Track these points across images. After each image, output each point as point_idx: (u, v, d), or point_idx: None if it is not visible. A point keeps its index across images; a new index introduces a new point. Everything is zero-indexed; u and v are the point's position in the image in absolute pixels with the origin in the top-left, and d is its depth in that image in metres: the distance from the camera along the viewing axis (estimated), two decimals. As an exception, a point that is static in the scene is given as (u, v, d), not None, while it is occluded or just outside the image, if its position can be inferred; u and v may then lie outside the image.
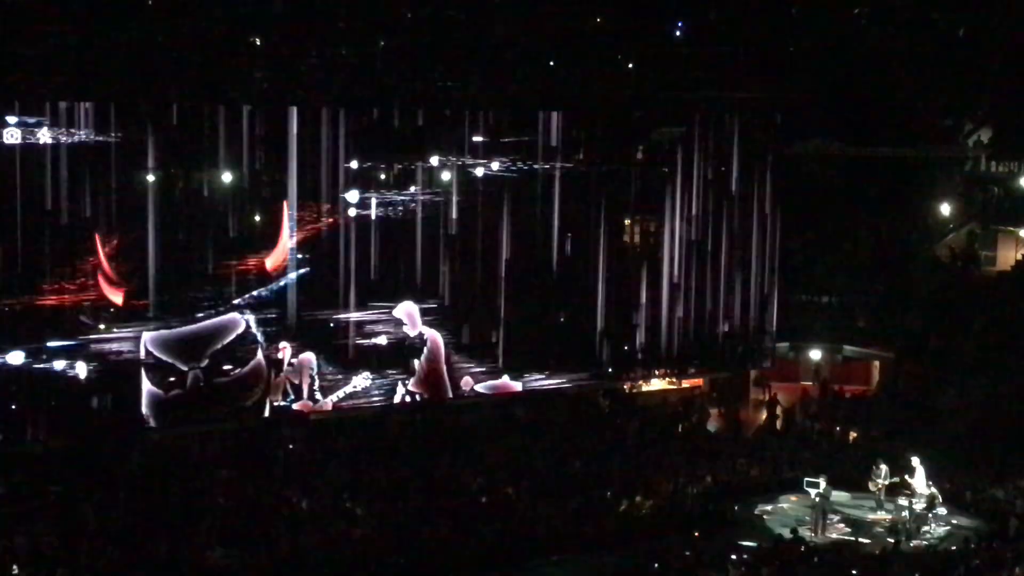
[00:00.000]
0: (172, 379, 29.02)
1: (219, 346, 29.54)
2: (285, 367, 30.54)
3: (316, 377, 30.96)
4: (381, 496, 28.79)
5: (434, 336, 32.00)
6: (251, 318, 29.80)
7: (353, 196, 30.58)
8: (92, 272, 27.84)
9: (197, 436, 30.00)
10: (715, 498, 30.27)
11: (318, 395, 31.17)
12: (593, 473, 31.03)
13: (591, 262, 34.15)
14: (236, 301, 29.49)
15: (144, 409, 28.91)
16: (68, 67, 25.83)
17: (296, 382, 30.76)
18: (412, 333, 31.74)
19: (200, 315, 29.15)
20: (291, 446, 31.12)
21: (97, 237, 27.83)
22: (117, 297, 28.39)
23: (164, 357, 28.84)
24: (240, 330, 29.70)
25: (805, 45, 33.85)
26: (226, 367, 29.77)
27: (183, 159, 28.54)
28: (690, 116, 34.36)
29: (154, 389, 28.84)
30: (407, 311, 31.67)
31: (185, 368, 29.14)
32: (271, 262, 30.11)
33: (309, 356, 30.86)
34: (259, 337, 29.99)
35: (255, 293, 29.61)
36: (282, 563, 25.75)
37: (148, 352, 28.69)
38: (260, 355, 30.14)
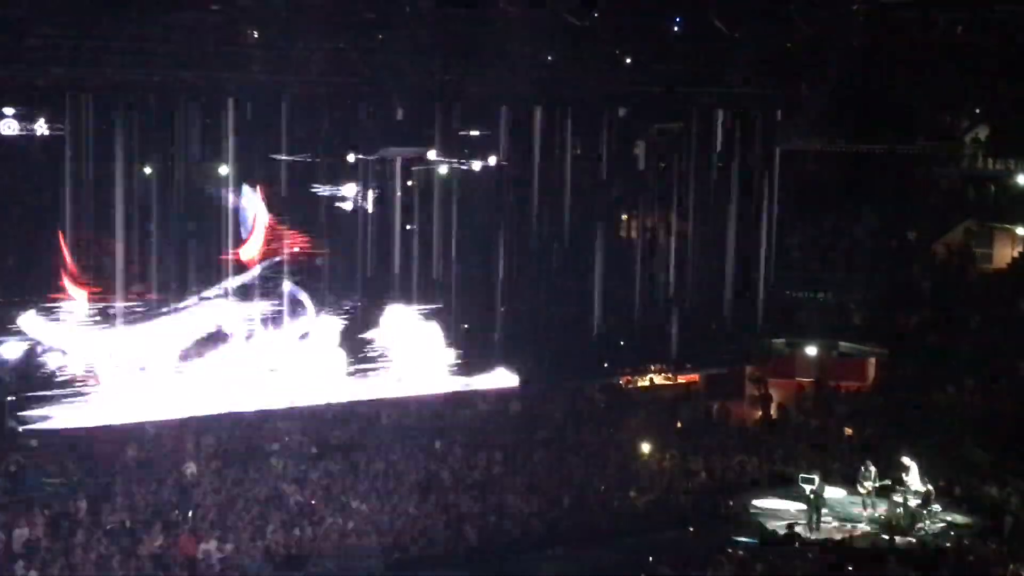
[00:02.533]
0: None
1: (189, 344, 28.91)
2: None
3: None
4: (375, 489, 28.82)
5: (424, 328, 31.80)
6: (225, 312, 29.37)
7: (349, 190, 30.56)
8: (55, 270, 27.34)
9: (192, 428, 29.91)
10: (709, 493, 30.32)
11: None
12: (588, 468, 31.05)
13: (588, 257, 34.12)
14: (208, 294, 29.03)
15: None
16: (63, 58, 25.79)
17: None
18: (399, 331, 31.54)
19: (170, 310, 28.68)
20: (286, 439, 31.11)
21: (61, 234, 27.43)
22: (80, 295, 27.84)
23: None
24: (214, 322, 29.16)
25: (803, 41, 33.83)
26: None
27: (167, 151, 28.26)
28: (688, 112, 34.35)
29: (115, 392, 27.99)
30: (397, 313, 31.51)
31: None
32: (246, 254, 29.86)
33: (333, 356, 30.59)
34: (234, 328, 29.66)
35: (227, 286, 29.21)
36: (275, 556, 25.81)
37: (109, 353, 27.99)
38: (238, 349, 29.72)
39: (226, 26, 27.52)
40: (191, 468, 28.57)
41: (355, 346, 30.66)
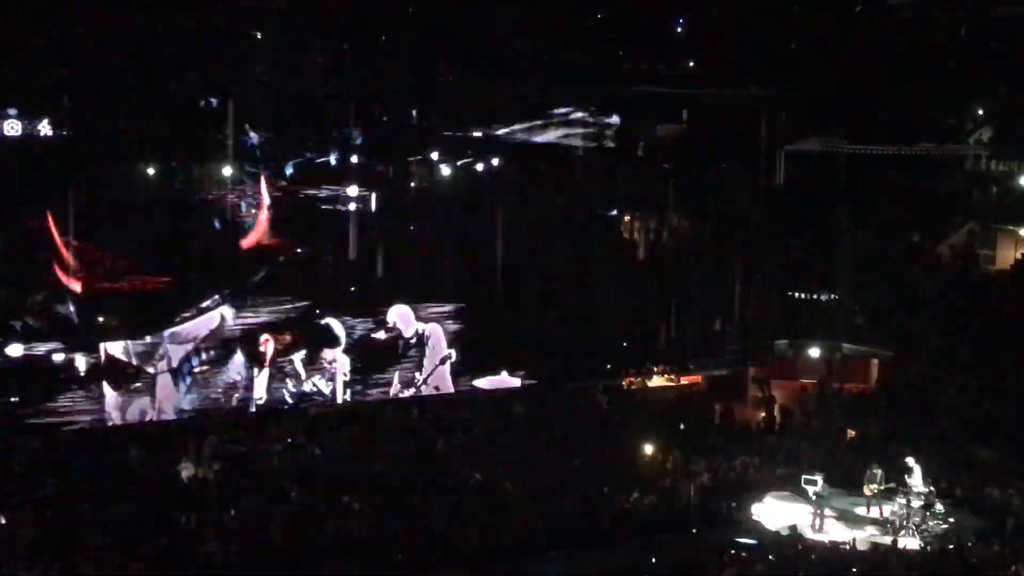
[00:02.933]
0: (136, 384, 28.59)
1: (191, 345, 28.99)
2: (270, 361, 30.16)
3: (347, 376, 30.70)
4: (379, 491, 28.81)
5: (435, 330, 31.75)
6: (228, 311, 29.32)
7: (352, 190, 30.56)
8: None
9: (194, 430, 29.91)
10: (713, 495, 30.28)
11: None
12: (591, 469, 31.04)
13: (589, 259, 34.10)
14: (211, 300, 29.06)
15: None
16: (67, 60, 25.78)
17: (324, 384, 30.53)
18: (407, 333, 31.48)
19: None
20: (289, 440, 31.11)
21: (51, 221, 27.27)
22: (76, 285, 27.78)
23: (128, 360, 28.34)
24: (214, 325, 29.22)
25: (807, 42, 33.82)
26: (196, 366, 29.26)
27: (171, 151, 28.24)
28: (691, 113, 34.34)
29: (114, 394, 28.28)
30: (399, 313, 31.44)
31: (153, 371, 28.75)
32: (247, 242, 29.84)
33: (343, 358, 30.61)
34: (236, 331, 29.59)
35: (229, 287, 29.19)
36: (278, 558, 25.81)
37: (108, 355, 28.08)
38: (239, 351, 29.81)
39: (229, 27, 27.52)
40: (187, 470, 28.55)
41: (365, 347, 30.73)
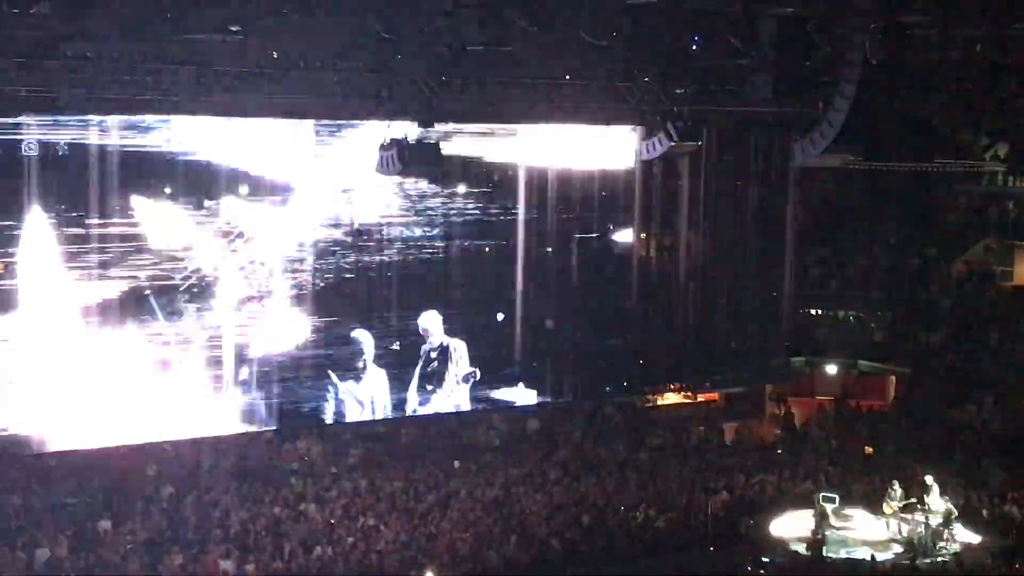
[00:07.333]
0: None
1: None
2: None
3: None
4: (395, 509, 28.83)
5: (460, 345, 31.67)
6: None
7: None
8: None
9: (210, 447, 29.95)
10: (730, 513, 30.21)
11: None
12: (607, 488, 31.00)
13: (606, 275, 34.13)
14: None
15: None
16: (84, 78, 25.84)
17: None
18: (435, 343, 31.44)
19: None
20: (305, 458, 31.17)
21: None
22: None
23: None
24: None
25: (822, 59, 33.76)
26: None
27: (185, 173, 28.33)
28: (705, 130, 34.31)
29: None
30: (430, 320, 31.37)
31: None
32: None
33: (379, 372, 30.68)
34: None
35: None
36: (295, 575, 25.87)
37: None
38: None
39: (245, 47, 27.56)
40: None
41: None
